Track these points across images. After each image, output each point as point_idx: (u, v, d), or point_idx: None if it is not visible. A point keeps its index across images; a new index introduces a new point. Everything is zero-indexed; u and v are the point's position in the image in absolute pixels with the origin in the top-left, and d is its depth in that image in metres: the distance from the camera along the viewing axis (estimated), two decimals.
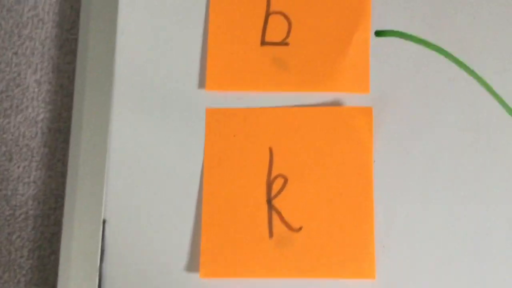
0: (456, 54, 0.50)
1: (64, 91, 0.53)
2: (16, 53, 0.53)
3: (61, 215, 0.50)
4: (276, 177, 0.49)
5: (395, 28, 0.50)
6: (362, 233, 0.47)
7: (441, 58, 0.50)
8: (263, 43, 0.51)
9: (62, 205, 0.49)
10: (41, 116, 0.53)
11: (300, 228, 0.48)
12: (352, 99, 0.50)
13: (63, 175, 0.52)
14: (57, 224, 0.51)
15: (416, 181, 0.48)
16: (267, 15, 0.51)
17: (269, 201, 0.48)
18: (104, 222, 0.48)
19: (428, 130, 0.49)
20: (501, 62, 0.50)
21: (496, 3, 0.50)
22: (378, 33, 0.51)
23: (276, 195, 0.48)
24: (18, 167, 0.52)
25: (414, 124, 0.49)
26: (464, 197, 0.48)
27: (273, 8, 0.51)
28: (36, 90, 0.53)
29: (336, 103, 0.50)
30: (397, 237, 0.47)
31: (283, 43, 0.51)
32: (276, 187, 0.49)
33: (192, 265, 0.48)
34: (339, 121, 0.49)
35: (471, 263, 0.47)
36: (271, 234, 0.48)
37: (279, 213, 0.48)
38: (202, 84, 0.50)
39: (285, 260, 0.47)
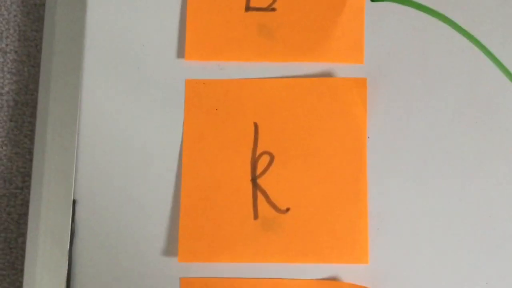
0: (458, 21, 0.46)
1: (31, 60, 0.49)
2: None
3: (28, 195, 0.46)
4: (261, 154, 0.45)
5: None
6: (354, 215, 0.44)
7: (442, 25, 0.46)
8: (248, 8, 0.47)
9: (30, 185, 0.46)
10: (7, 88, 0.49)
11: (288, 210, 0.44)
12: (344, 70, 0.46)
13: (30, 152, 0.48)
14: (25, 204, 0.48)
15: (413, 158, 0.45)
16: None
17: (253, 180, 0.45)
18: (74, 202, 0.45)
19: (426, 103, 0.45)
20: (506, 29, 0.46)
21: None
22: None
23: (261, 174, 0.45)
24: None
25: (411, 97, 0.45)
26: (463, 176, 0.44)
27: None
28: (1, 60, 0.49)
29: (327, 74, 0.46)
30: (392, 219, 0.44)
31: (270, 8, 0.46)
32: (261, 165, 0.45)
33: (170, 248, 0.44)
34: (330, 93, 0.45)
35: (467, 245, 0.44)
36: (256, 215, 0.44)
37: (264, 193, 0.45)
38: (181, 53, 0.46)
39: (271, 243, 0.44)
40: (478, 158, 0.45)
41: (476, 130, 0.45)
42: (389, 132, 0.45)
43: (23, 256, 0.46)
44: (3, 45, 0.49)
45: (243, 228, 0.44)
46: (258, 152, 0.45)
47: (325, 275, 0.44)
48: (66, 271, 0.44)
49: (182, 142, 0.46)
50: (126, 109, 0.46)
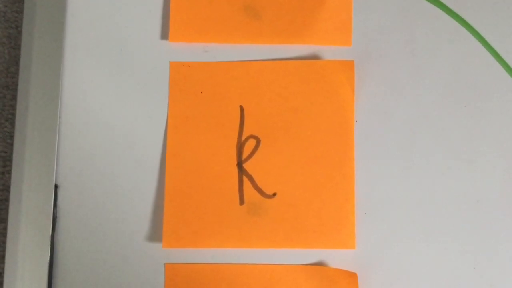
0: (449, 3, 0.45)
1: (11, 42, 0.48)
2: None
3: (9, 179, 0.45)
4: (247, 138, 0.44)
5: None
6: (341, 199, 0.43)
7: (430, 7, 0.45)
8: None
9: (11, 169, 0.45)
10: None
11: (274, 195, 0.44)
12: (332, 52, 0.45)
13: (11, 136, 0.47)
14: (6, 189, 0.47)
15: (400, 142, 0.44)
16: None
17: (239, 165, 0.44)
18: (56, 187, 0.44)
19: (415, 86, 0.45)
20: (496, 12, 0.46)
21: None
22: None
23: (247, 158, 0.44)
24: None
25: (399, 79, 0.45)
26: (452, 161, 0.44)
27: None
28: None
29: (314, 57, 0.45)
30: (379, 204, 0.43)
31: None
32: (247, 149, 0.44)
33: (155, 234, 0.43)
34: (317, 76, 0.45)
35: (454, 230, 0.43)
36: (241, 200, 0.44)
37: (250, 178, 0.44)
38: (165, 35, 0.45)
39: (257, 229, 0.43)
40: (467, 142, 0.44)
41: (465, 114, 0.44)
42: (377, 116, 0.44)
43: (4, 242, 0.45)
44: None
45: (228, 213, 0.43)
46: (244, 136, 0.44)
47: (311, 261, 0.43)
48: (48, 257, 0.43)
49: (166, 125, 0.45)
50: (109, 91, 0.45)
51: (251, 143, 0.44)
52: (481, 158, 0.44)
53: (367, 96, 0.45)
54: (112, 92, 0.45)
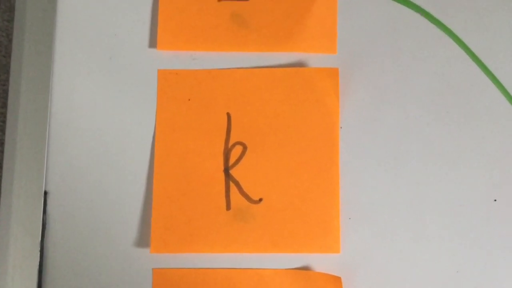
0: (430, 10, 0.46)
1: (2, 50, 0.49)
2: None
3: None
4: (234, 145, 0.45)
5: None
6: (327, 205, 0.44)
7: (415, 15, 0.46)
8: None
9: (1, 176, 0.45)
10: None
11: (260, 200, 0.44)
12: (317, 60, 0.46)
13: (1, 143, 0.48)
14: None
15: (385, 148, 0.45)
16: None
17: (226, 171, 0.45)
18: (46, 194, 0.44)
19: (399, 93, 0.45)
20: (480, 19, 0.46)
21: None
22: None
23: (234, 164, 0.45)
24: None
25: (384, 88, 0.45)
26: (435, 166, 0.44)
27: None
28: None
29: (300, 64, 0.46)
30: (364, 209, 0.44)
31: None
32: (234, 155, 0.45)
33: (143, 239, 0.44)
34: (303, 84, 0.45)
35: (439, 234, 0.44)
36: (228, 206, 0.44)
37: (237, 184, 0.44)
38: (153, 43, 0.46)
39: (244, 234, 0.44)
40: (450, 146, 0.45)
41: (448, 120, 0.45)
42: (362, 122, 0.45)
43: None
44: None
45: (215, 218, 0.44)
46: (231, 142, 0.45)
47: (297, 265, 0.44)
48: (38, 263, 0.43)
49: (154, 132, 0.45)
50: (98, 99, 0.45)
51: (238, 149, 0.45)
52: (464, 162, 0.45)
53: (352, 102, 0.45)
54: (101, 99, 0.46)
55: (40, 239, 0.44)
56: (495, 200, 0.44)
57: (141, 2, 0.46)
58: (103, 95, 0.46)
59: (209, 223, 0.44)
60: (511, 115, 0.45)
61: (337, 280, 0.43)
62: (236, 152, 0.45)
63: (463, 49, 0.46)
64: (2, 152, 0.47)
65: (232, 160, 0.45)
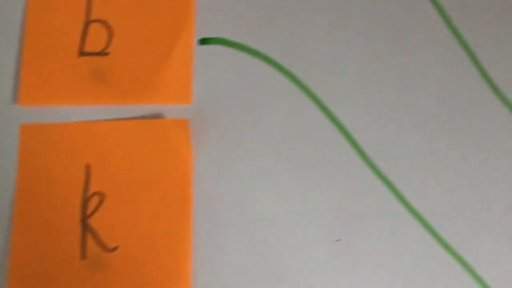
0: (282, 62, 0.48)
1: None
2: None
3: None
4: (92, 195, 0.46)
5: (220, 36, 0.49)
6: (179, 251, 0.45)
7: (265, 66, 0.48)
8: (82, 53, 0.48)
9: None
10: None
11: (115, 248, 0.45)
12: (174, 111, 0.47)
13: None
14: None
15: (237, 196, 0.46)
16: (87, 23, 0.49)
17: (83, 221, 0.46)
18: None
19: (254, 142, 0.47)
20: (325, 69, 0.48)
21: (320, 9, 0.49)
22: (203, 41, 0.49)
23: (91, 214, 0.46)
24: None
25: (238, 136, 0.47)
26: (285, 212, 0.46)
27: (94, 15, 0.49)
28: None
29: (157, 116, 0.47)
30: (215, 255, 0.45)
31: (103, 53, 0.48)
32: (92, 205, 0.46)
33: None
34: (157, 135, 0.47)
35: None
36: (83, 255, 0.45)
37: (94, 233, 0.46)
38: (15, 98, 0.47)
39: (99, 283, 0.45)
40: (299, 194, 0.46)
41: (297, 167, 0.47)
42: (216, 171, 0.47)
43: None
44: None
45: (69, 269, 0.45)
46: (89, 192, 0.46)
47: None
48: None
49: (15, 186, 0.47)
50: None
51: (95, 199, 0.46)
52: (310, 205, 0.46)
53: (207, 151, 0.47)
54: None
55: None
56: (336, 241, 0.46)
57: (4, 60, 0.48)
58: None
59: (63, 273, 0.45)
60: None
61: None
62: (94, 201, 0.46)
63: (312, 100, 0.47)
64: None
65: (89, 210, 0.46)
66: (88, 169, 0.47)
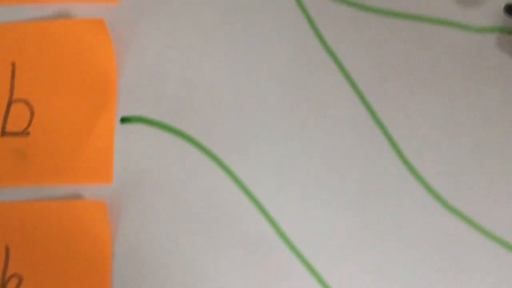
0: (201, 140, 0.48)
1: None
2: None
3: None
4: (10, 277, 0.46)
5: (142, 115, 0.49)
6: None
7: (188, 145, 0.48)
8: (4, 133, 0.48)
9: None
10: None
11: None
12: (95, 190, 0.48)
13: None
14: None
15: (154, 276, 0.47)
16: (10, 103, 0.49)
17: None
18: None
19: (175, 218, 0.47)
20: (242, 146, 0.49)
21: (239, 88, 0.49)
22: (124, 120, 0.49)
23: None
24: None
25: (159, 213, 0.47)
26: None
27: (16, 95, 0.49)
28: None
29: (77, 196, 0.47)
30: None
31: (24, 133, 0.48)
32: (11, 286, 0.46)
33: None
34: (74, 216, 0.47)
35: None
36: None
37: None
38: None
39: None
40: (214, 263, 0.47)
41: (213, 246, 0.47)
42: (136, 252, 0.47)
43: None
44: None
45: None
46: (8, 275, 0.46)
47: None
48: None
49: None
50: None
51: (13, 282, 0.46)
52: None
53: (127, 230, 0.47)
54: None
55: None
56: None
57: None
58: None
59: None
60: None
61: None
62: (12, 284, 0.46)
63: (227, 173, 0.48)
64: None
65: None
66: (7, 250, 0.47)
